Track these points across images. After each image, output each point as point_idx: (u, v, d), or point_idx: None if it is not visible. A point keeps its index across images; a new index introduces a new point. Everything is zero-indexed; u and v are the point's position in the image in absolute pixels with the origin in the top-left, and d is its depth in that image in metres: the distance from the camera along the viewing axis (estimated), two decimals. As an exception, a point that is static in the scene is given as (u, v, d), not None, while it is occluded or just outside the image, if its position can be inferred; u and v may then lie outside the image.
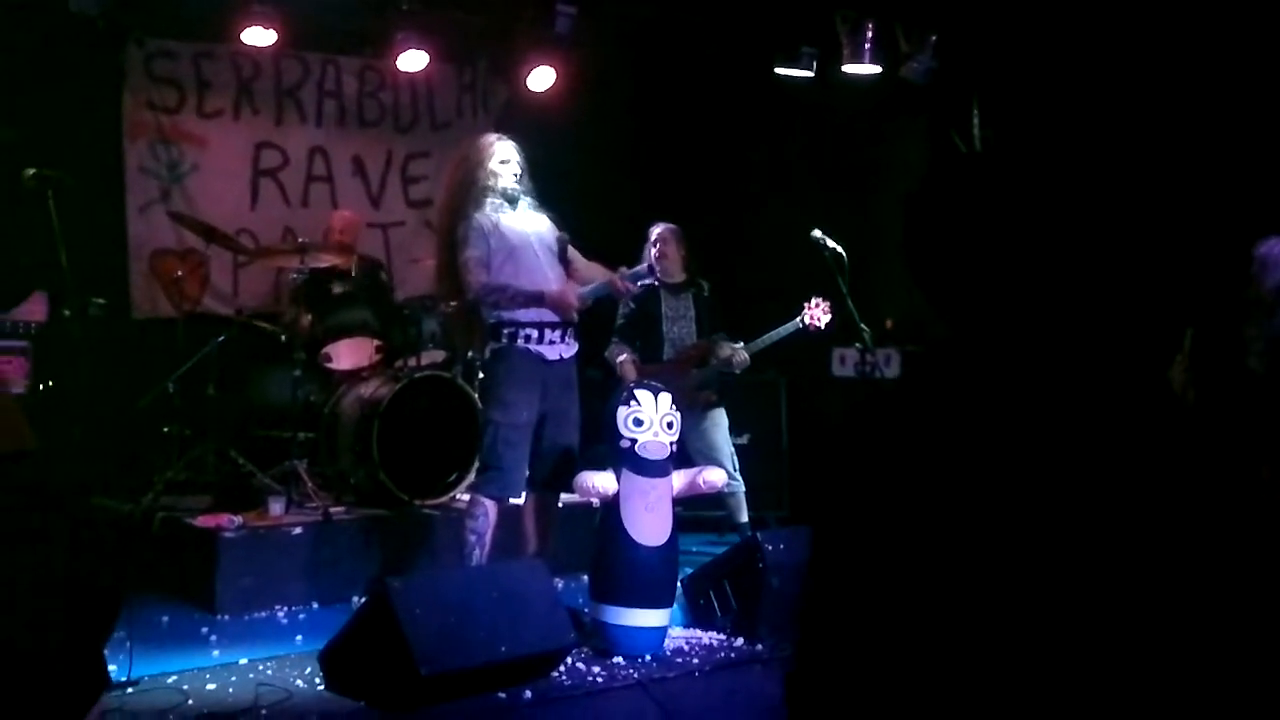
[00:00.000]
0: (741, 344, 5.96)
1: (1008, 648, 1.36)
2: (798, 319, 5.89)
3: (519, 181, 4.90)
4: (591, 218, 7.76)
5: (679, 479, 4.73)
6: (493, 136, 5.11)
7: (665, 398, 4.74)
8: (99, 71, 6.66)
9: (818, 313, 5.86)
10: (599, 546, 4.66)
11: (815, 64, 6.84)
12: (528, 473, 4.79)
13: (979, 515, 1.37)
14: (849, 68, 6.69)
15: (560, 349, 4.78)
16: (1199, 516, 1.39)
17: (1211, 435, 1.45)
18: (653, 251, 5.95)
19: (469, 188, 4.84)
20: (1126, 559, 1.37)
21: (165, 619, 4.94)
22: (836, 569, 1.49)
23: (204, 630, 4.83)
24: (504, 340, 4.73)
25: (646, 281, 5.23)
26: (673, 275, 6.00)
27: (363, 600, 4.82)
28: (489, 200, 4.82)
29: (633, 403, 4.65)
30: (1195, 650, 1.36)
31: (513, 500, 4.84)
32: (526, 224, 4.86)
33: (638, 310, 5.92)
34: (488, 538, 4.72)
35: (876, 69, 6.67)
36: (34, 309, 5.77)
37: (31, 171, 4.75)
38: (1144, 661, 1.36)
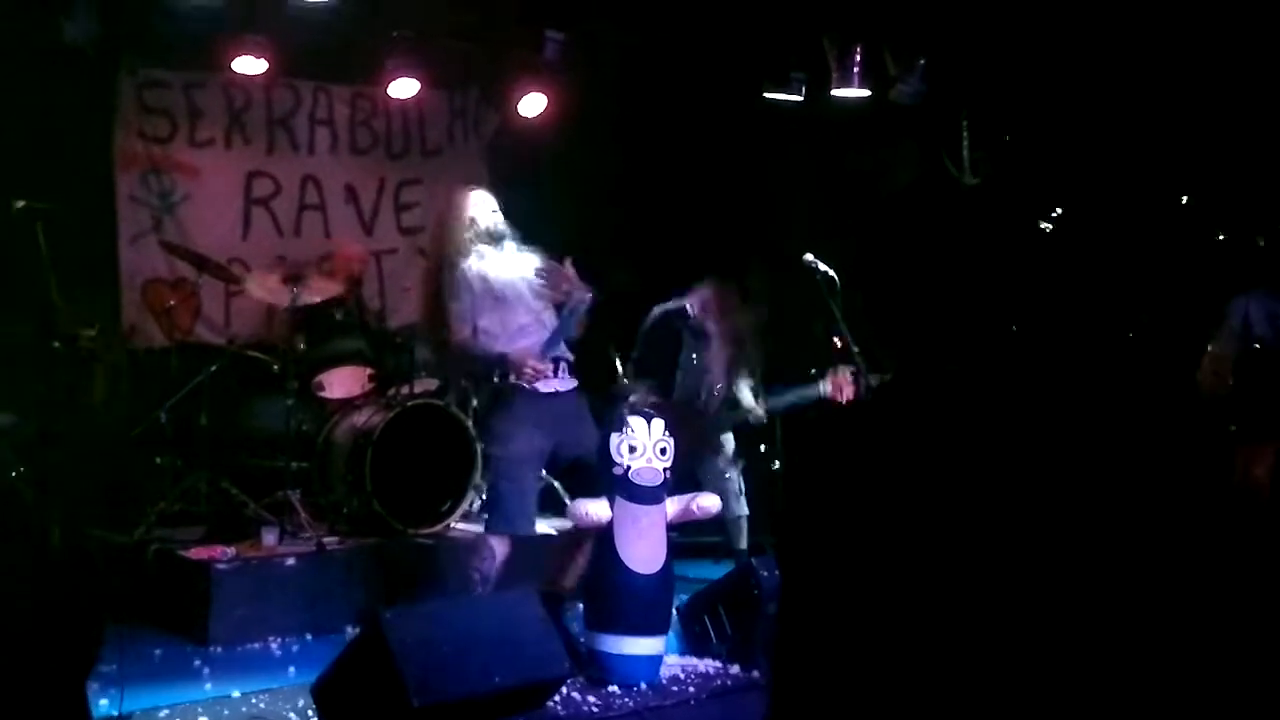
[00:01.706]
0: (748, 390, 5.94)
1: (978, 679, 1.36)
2: (819, 387, 5.79)
3: (501, 222, 4.91)
4: (581, 244, 7.78)
5: (673, 505, 4.71)
6: (468, 189, 5.16)
7: (658, 424, 4.72)
8: (91, 102, 6.65)
9: (842, 384, 5.68)
10: (593, 574, 4.65)
11: (804, 88, 6.86)
12: (536, 505, 4.77)
13: (942, 545, 1.38)
14: (838, 91, 6.71)
15: (554, 384, 4.78)
16: (1165, 533, 1.40)
17: (1174, 444, 1.46)
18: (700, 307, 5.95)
19: (453, 236, 4.87)
20: (1089, 586, 1.38)
21: (157, 652, 4.91)
22: (805, 608, 1.49)
23: (196, 663, 4.80)
24: (496, 379, 4.73)
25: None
26: (715, 329, 5.96)
27: (356, 631, 4.80)
28: (474, 247, 4.82)
29: (626, 429, 4.64)
30: (1173, 663, 1.36)
31: (523, 532, 4.80)
32: (512, 267, 4.87)
33: (656, 341, 5.91)
34: (493, 576, 4.70)
35: (865, 92, 6.69)
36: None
37: (21, 203, 4.75)
38: (1120, 689, 1.36)
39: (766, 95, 6.93)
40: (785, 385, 5.95)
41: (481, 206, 4.93)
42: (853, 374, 5.63)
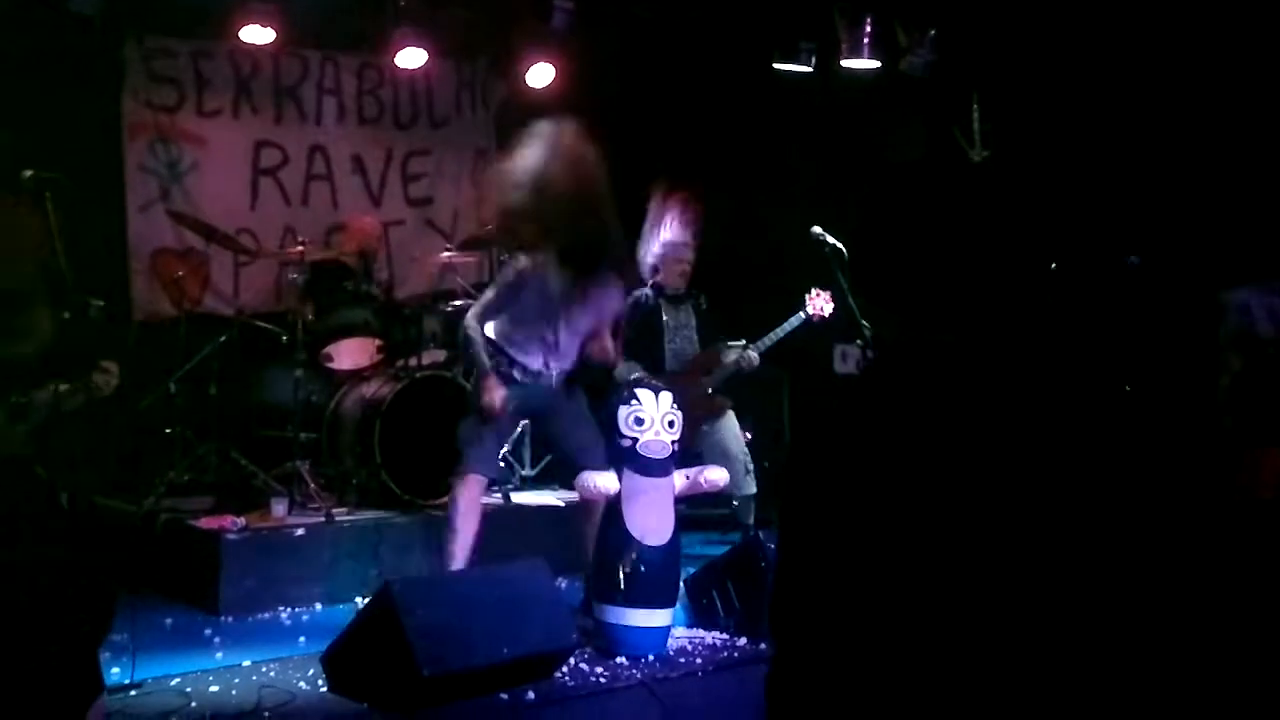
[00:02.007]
0: (744, 342, 5.96)
1: (967, 634, 1.38)
2: (801, 312, 5.94)
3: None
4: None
5: (680, 478, 4.72)
6: None
7: (666, 397, 4.73)
8: (98, 71, 6.64)
9: (820, 302, 5.93)
10: (600, 546, 4.66)
11: (814, 59, 6.82)
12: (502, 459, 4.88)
13: (934, 506, 1.41)
14: (848, 62, 6.67)
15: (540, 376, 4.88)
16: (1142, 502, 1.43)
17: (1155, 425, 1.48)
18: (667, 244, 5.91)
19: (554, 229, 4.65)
20: (1067, 541, 1.40)
21: (168, 621, 4.95)
22: (803, 564, 1.53)
23: (207, 632, 4.84)
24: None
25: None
26: (679, 287, 5.97)
27: (365, 601, 4.83)
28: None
29: (633, 402, 4.65)
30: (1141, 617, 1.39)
31: (487, 478, 4.87)
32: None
33: (639, 324, 5.91)
34: (464, 530, 4.71)
35: (875, 64, 6.65)
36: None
37: (29, 173, 4.73)
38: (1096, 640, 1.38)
39: (776, 66, 6.88)
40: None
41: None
42: (830, 296, 5.84)
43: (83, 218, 5.77)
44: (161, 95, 6.85)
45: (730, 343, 6.03)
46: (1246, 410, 3.45)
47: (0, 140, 5.88)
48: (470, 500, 4.75)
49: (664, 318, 5.97)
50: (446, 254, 6.75)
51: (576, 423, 4.94)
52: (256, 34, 6.53)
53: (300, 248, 6.18)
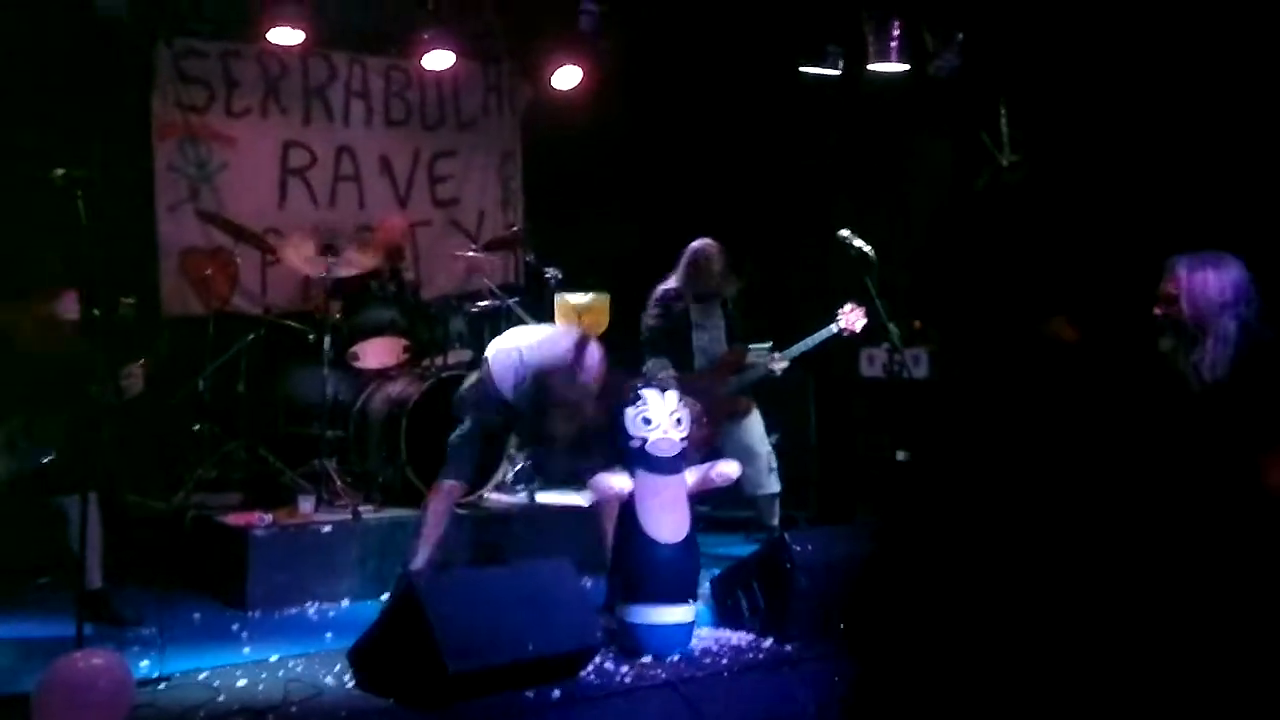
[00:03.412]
0: (770, 344, 5.96)
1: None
2: (832, 325, 5.86)
3: None
4: (616, 218, 7.80)
5: (692, 475, 4.72)
6: None
7: (672, 395, 4.73)
8: (128, 72, 6.70)
9: (853, 318, 5.83)
10: (619, 547, 4.68)
11: (841, 63, 6.82)
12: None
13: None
14: (875, 66, 6.67)
15: None
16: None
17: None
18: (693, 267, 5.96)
19: None
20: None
21: (196, 615, 4.99)
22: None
23: (235, 627, 4.87)
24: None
25: None
26: (714, 290, 5.97)
27: (391, 598, 4.86)
28: None
29: (640, 403, 4.66)
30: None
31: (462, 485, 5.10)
32: None
33: (666, 322, 5.92)
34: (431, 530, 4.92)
35: (903, 67, 6.64)
36: (66, 307, 5.81)
37: (61, 171, 4.78)
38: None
39: (803, 70, 6.89)
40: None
41: None
42: (864, 312, 5.74)
43: (113, 217, 5.84)
44: (191, 95, 6.91)
45: (757, 344, 6.04)
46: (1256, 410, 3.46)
47: (32, 141, 5.96)
48: (440, 499, 5.02)
49: (692, 317, 5.98)
50: (472, 254, 6.78)
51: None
52: (285, 35, 6.59)
53: (329, 248, 6.20)
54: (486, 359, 5.08)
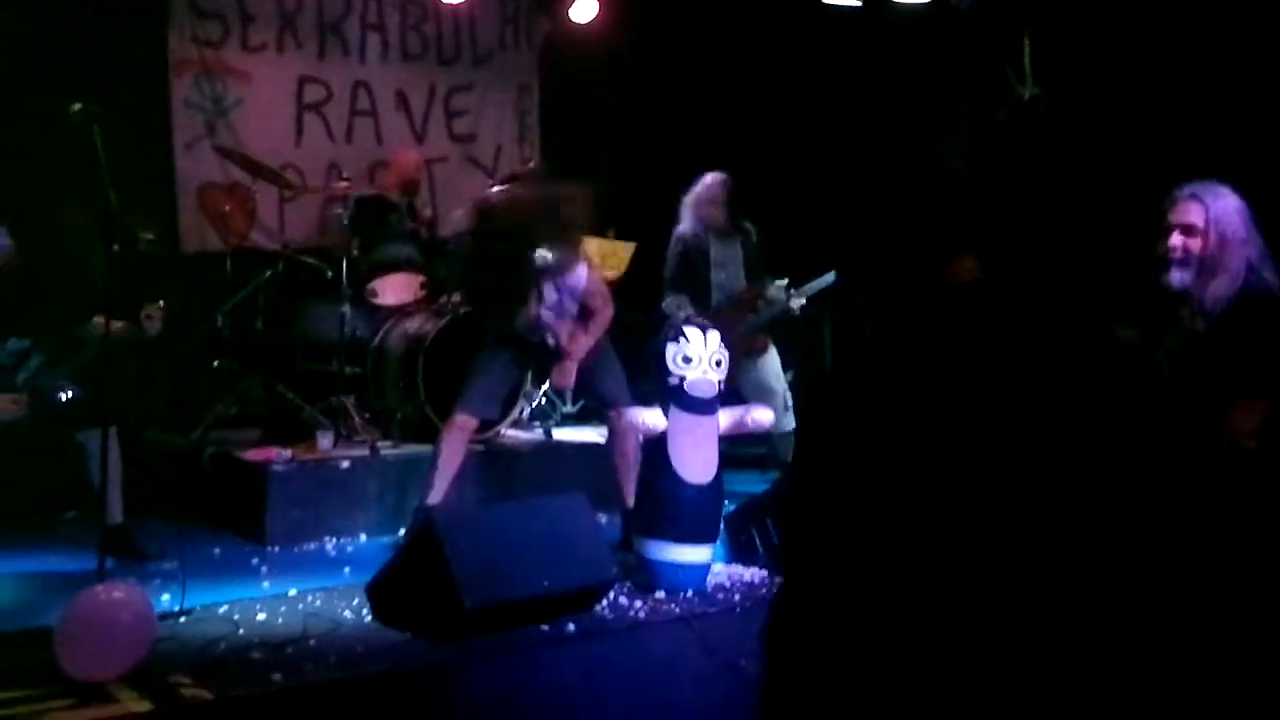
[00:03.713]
0: (787, 282, 5.92)
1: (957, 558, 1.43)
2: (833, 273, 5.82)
3: None
4: (634, 152, 7.74)
5: (726, 417, 4.72)
6: None
7: (714, 336, 4.72)
8: (143, 5, 6.65)
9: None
10: (644, 482, 4.69)
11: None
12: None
13: (932, 438, 1.50)
14: (898, -3, 6.54)
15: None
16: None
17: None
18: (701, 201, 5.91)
19: None
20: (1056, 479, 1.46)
21: (216, 550, 5.04)
22: (817, 489, 1.59)
23: (254, 561, 4.93)
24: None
25: None
26: (721, 223, 5.94)
27: (408, 533, 4.90)
28: None
29: (681, 339, 4.64)
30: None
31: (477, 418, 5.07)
32: None
33: (686, 258, 5.88)
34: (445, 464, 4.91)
35: (925, -1, 6.51)
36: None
37: (77, 106, 4.77)
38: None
39: (825, 1, 6.76)
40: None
41: None
42: None
43: (130, 152, 5.83)
44: (206, 30, 6.85)
45: (776, 281, 5.99)
46: (1229, 365, 3.35)
47: (49, 76, 5.94)
48: (454, 435, 4.97)
49: (709, 252, 5.95)
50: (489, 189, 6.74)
51: (602, 364, 5.00)
52: (300, -33, 6.51)
53: (345, 183, 6.20)
54: None
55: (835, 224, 6.11)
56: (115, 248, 5.30)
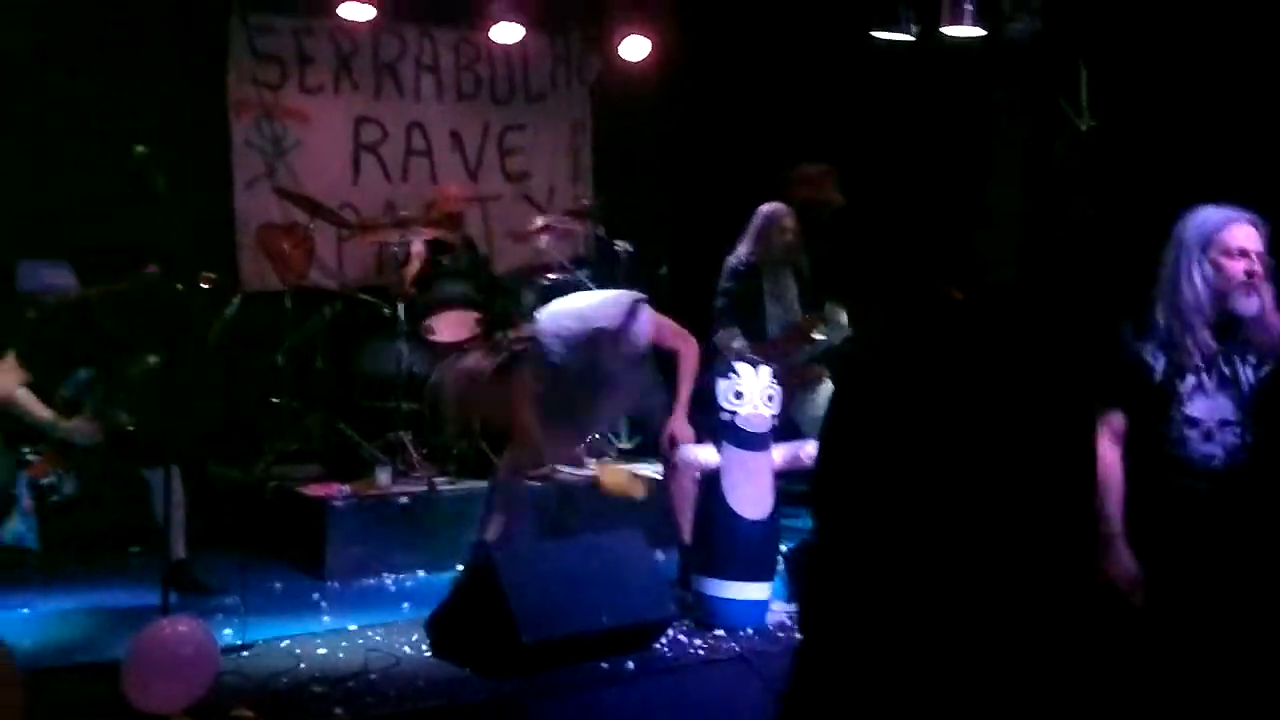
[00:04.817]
0: (842, 315, 5.90)
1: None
2: None
3: None
4: (686, 189, 7.76)
5: (781, 452, 4.71)
6: None
7: (765, 371, 4.71)
8: (204, 49, 6.79)
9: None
10: (700, 519, 4.68)
11: (914, 27, 6.68)
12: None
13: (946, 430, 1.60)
14: (949, 29, 6.52)
15: None
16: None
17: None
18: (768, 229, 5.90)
19: None
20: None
21: (277, 585, 5.10)
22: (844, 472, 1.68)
23: (314, 596, 4.98)
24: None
25: None
26: (787, 254, 5.92)
27: (466, 569, 4.92)
28: None
29: (732, 375, 4.65)
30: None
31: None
32: None
33: (739, 290, 5.87)
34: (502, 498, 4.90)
35: (978, 30, 6.49)
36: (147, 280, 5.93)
37: (141, 149, 4.88)
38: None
39: (874, 35, 6.76)
40: None
41: None
42: None
43: (191, 193, 5.95)
44: (265, 72, 6.99)
45: (832, 310, 5.96)
46: None
47: (112, 118, 6.08)
48: (511, 474, 4.99)
49: (764, 285, 5.94)
50: (542, 225, 6.80)
51: (643, 394, 5.02)
52: (356, 10, 6.64)
53: (402, 222, 6.28)
54: (537, 324, 5.02)
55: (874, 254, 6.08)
56: (178, 288, 5.43)
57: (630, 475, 5.06)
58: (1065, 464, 1.64)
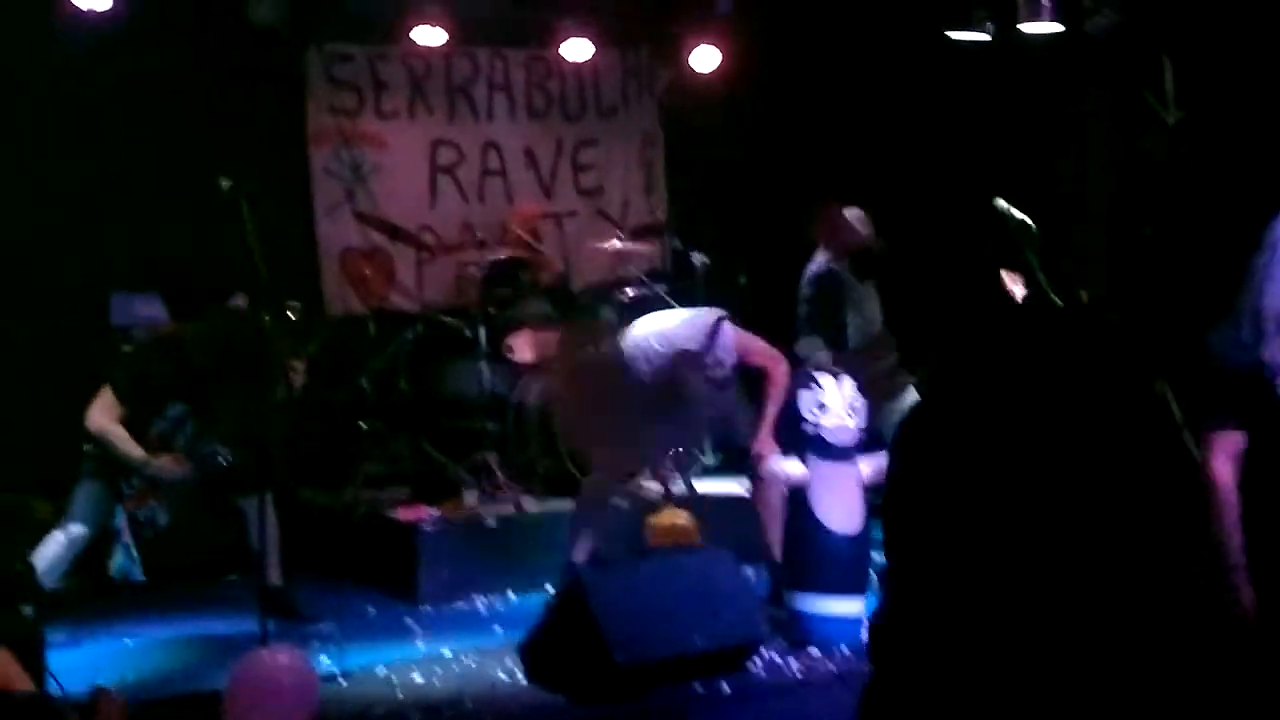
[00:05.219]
0: None
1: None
2: None
3: None
4: (761, 199, 7.70)
5: (869, 465, 4.64)
6: None
7: (848, 382, 4.65)
8: (282, 79, 6.90)
9: (1011, 286, 5.54)
10: (789, 534, 4.63)
11: (991, 25, 6.55)
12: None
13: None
14: (1026, 26, 6.39)
15: None
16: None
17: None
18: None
19: None
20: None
21: (370, 610, 5.14)
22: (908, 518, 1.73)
23: (407, 621, 5.00)
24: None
25: None
26: (860, 259, 5.85)
27: (556, 589, 4.92)
28: None
29: (814, 386, 4.60)
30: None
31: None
32: None
33: (822, 299, 5.81)
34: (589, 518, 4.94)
35: (1057, 26, 6.36)
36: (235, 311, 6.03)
37: (227, 182, 4.97)
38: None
39: (950, 35, 6.66)
40: None
41: None
42: (1019, 279, 5.38)
43: (274, 222, 6.04)
44: (342, 100, 7.08)
45: None
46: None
47: (196, 151, 6.19)
48: (598, 494, 5.01)
49: (847, 291, 5.86)
50: (618, 242, 6.81)
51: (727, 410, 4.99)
52: (428, 35, 6.70)
53: (480, 243, 6.32)
54: (621, 345, 5.03)
55: (969, 263, 5.96)
56: (265, 316, 5.51)
57: (684, 519, 5.06)
58: (1170, 494, 1.60)
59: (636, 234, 7.00)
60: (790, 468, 4.57)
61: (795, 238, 6.25)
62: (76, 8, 5.60)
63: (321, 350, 6.40)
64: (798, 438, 4.63)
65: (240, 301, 5.89)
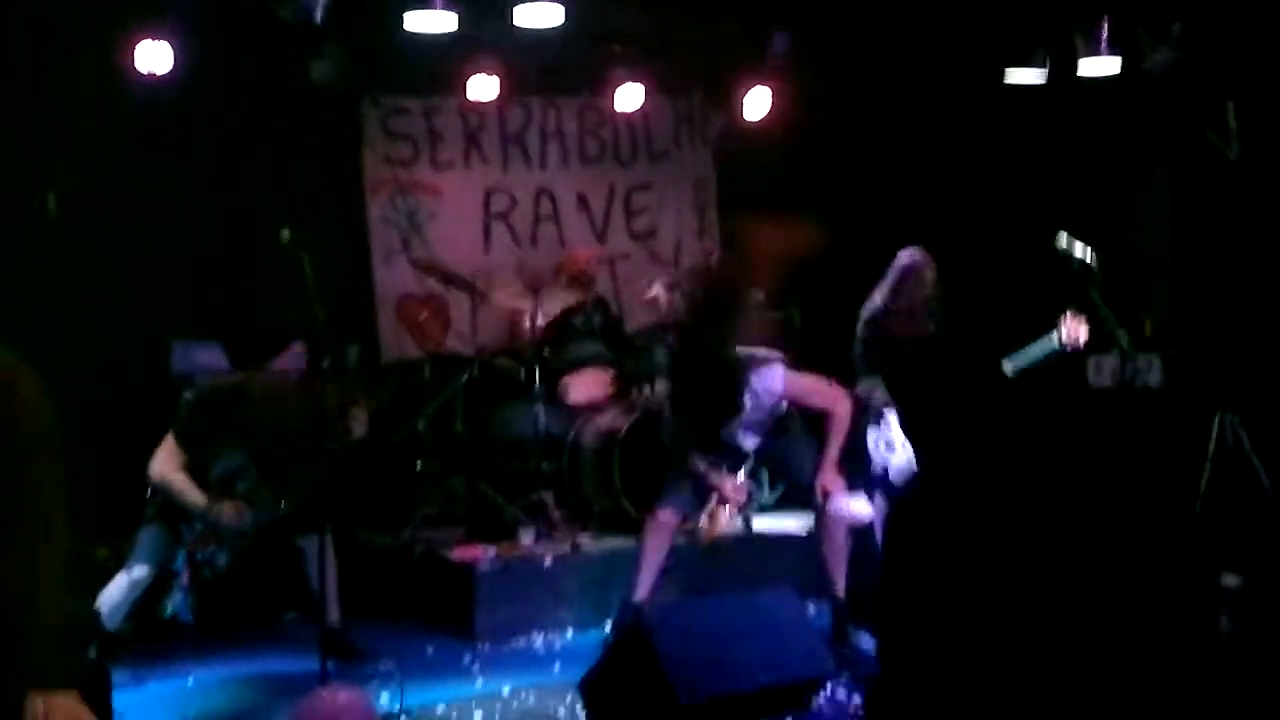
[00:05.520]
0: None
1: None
2: (1054, 338, 5.25)
3: None
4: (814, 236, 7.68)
5: (933, 501, 4.57)
6: None
7: (910, 420, 4.61)
8: (339, 132, 7.02)
9: (1074, 326, 5.24)
10: (855, 571, 4.57)
11: (1049, 65, 6.53)
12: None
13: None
14: (1086, 66, 6.37)
15: None
16: None
17: None
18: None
19: None
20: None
21: (429, 649, 5.12)
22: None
23: (466, 659, 4.98)
24: None
25: None
26: (924, 300, 5.78)
27: (615, 628, 4.87)
28: None
29: (881, 424, 4.56)
30: None
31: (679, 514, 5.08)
32: None
33: (877, 339, 5.75)
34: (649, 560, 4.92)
35: (1115, 65, 6.32)
36: (293, 359, 6.10)
37: (287, 234, 5.05)
38: None
39: (1009, 78, 6.64)
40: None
41: None
42: (1086, 320, 5.16)
43: (333, 271, 6.12)
44: (398, 151, 7.19)
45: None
46: None
47: (257, 203, 6.31)
48: (658, 530, 4.97)
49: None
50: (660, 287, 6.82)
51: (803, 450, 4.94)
52: (482, 86, 6.79)
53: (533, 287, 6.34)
54: None
55: (1031, 301, 5.89)
56: (327, 361, 5.56)
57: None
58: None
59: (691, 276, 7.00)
60: (857, 506, 4.52)
61: (851, 276, 6.22)
62: (139, 72, 5.74)
63: (382, 393, 6.47)
64: (864, 475, 4.58)
65: (299, 349, 5.98)
